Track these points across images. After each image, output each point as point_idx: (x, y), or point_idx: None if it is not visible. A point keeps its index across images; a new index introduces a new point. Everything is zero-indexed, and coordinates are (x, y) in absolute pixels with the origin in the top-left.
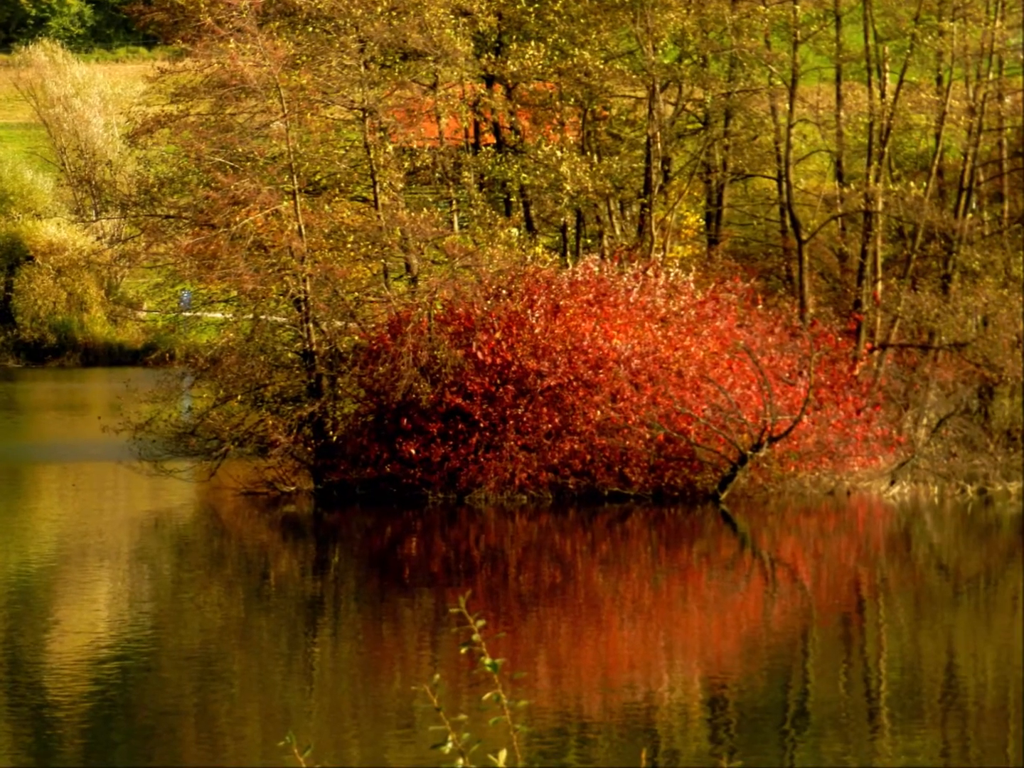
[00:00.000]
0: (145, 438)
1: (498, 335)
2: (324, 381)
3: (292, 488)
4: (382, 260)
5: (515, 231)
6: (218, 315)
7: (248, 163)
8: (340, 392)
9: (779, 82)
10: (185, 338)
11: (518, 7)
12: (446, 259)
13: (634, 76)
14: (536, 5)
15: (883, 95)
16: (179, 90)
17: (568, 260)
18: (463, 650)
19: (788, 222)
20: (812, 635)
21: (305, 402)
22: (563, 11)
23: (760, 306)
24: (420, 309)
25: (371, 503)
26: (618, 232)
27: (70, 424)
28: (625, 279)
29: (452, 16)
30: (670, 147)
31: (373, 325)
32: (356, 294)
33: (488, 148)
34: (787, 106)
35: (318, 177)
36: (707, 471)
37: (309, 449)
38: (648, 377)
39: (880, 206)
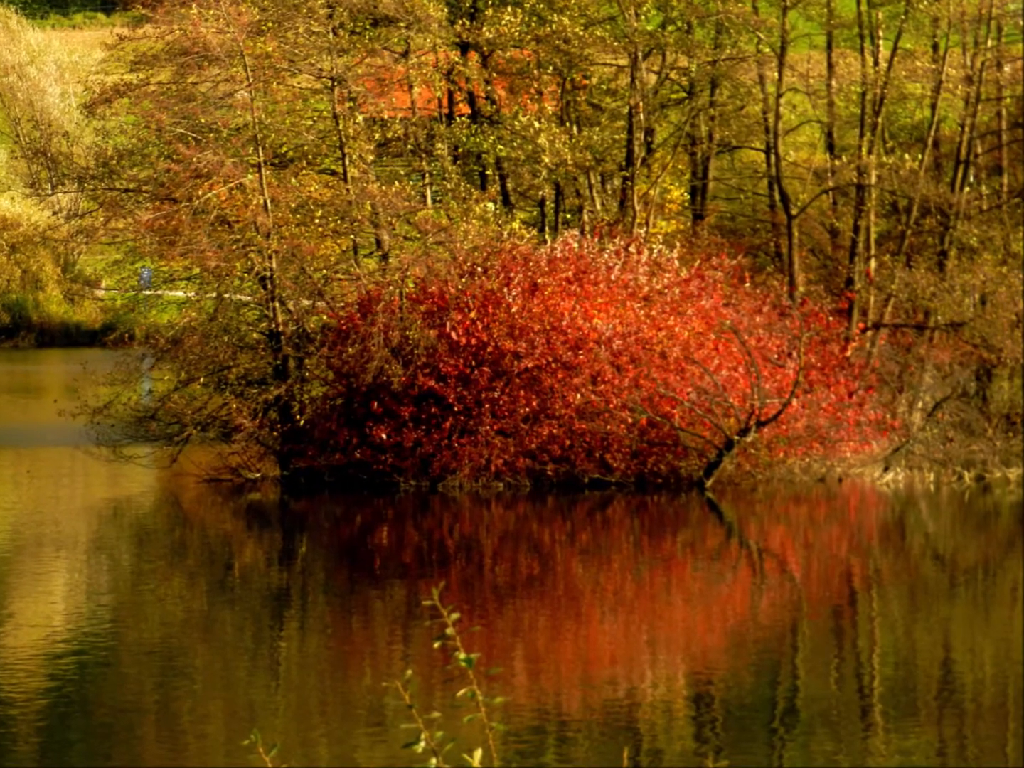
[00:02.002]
0: (103, 422)
1: (473, 314)
2: (291, 363)
3: (257, 475)
4: (351, 236)
5: (491, 205)
6: (180, 293)
7: (211, 134)
8: (307, 374)
9: (767, 49)
10: (145, 318)
11: None
12: (418, 235)
13: (616, 43)
14: None
15: (876, 63)
16: (139, 58)
17: (546, 236)
18: (436, 645)
19: (777, 196)
20: (802, 629)
21: (271, 385)
22: None
23: (747, 284)
24: (391, 287)
25: (340, 490)
26: (599, 207)
27: (25, 407)
28: (606, 256)
29: None
30: (653, 118)
31: (342, 304)
32: (324, 271)
33: (463, 119)
34: (776, 75)
35: (284, 149)
36: (692, 457)
37: (275, 434)
38: (630, 358)
39: (873, 179)
